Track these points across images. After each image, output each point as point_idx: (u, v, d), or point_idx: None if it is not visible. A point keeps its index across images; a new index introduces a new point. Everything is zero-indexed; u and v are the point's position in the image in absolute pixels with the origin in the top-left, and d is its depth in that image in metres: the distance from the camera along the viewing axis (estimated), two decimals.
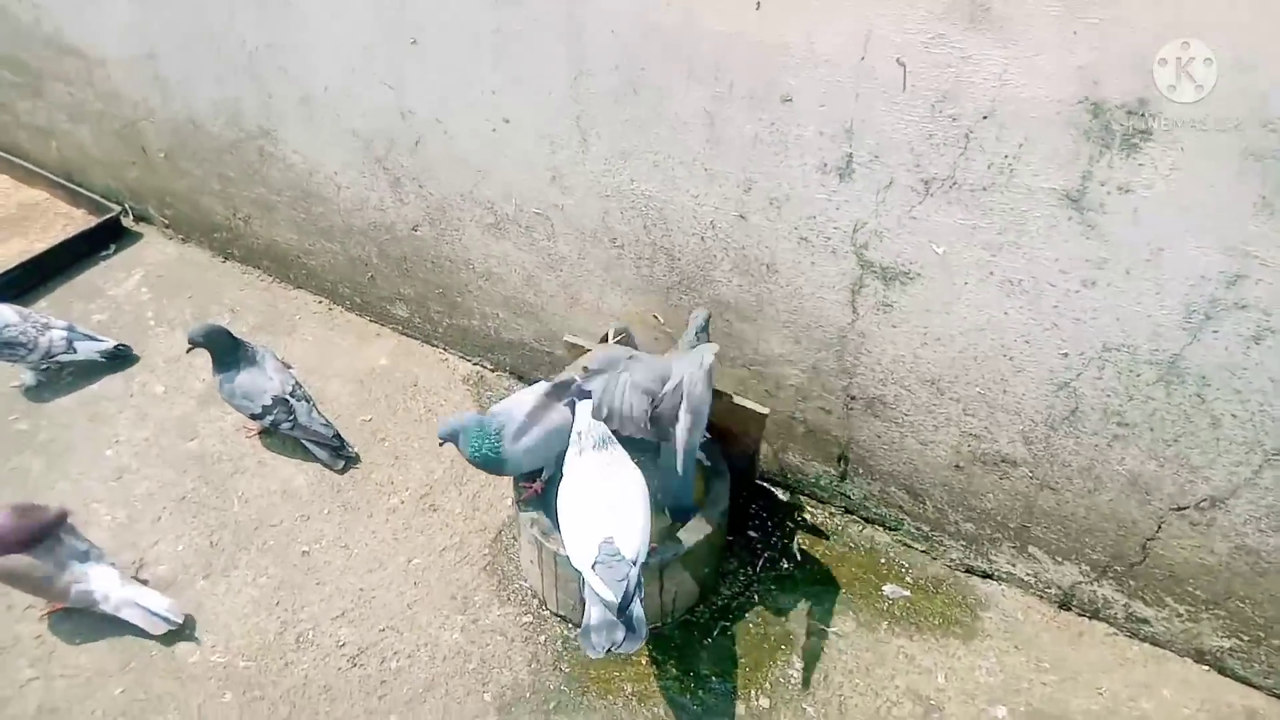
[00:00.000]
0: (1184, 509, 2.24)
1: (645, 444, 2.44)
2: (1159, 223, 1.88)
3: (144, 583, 2.63)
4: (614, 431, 2.33)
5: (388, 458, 3.07)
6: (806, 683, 2.43)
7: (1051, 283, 2.08)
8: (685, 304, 2.67)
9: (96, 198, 4.06)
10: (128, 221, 4.07)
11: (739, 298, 2.57)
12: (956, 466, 2.53)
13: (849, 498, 2.84)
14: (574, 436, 2.29)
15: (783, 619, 2.59)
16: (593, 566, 2.10)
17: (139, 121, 3.66)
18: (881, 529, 2.83)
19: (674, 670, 2.46)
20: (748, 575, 2.70)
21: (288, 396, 2.95)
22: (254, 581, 2.70)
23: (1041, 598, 2.63)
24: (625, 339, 2.65)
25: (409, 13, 2.60)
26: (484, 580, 2.70)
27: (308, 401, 3.02)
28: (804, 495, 2.93)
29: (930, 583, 2.69)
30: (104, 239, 3.95)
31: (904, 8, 1.90)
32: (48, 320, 3.24)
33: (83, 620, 2.56)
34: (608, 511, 2.17)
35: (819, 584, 2.68)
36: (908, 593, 2.65)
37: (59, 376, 3.32)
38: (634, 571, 2.09)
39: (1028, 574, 2.61)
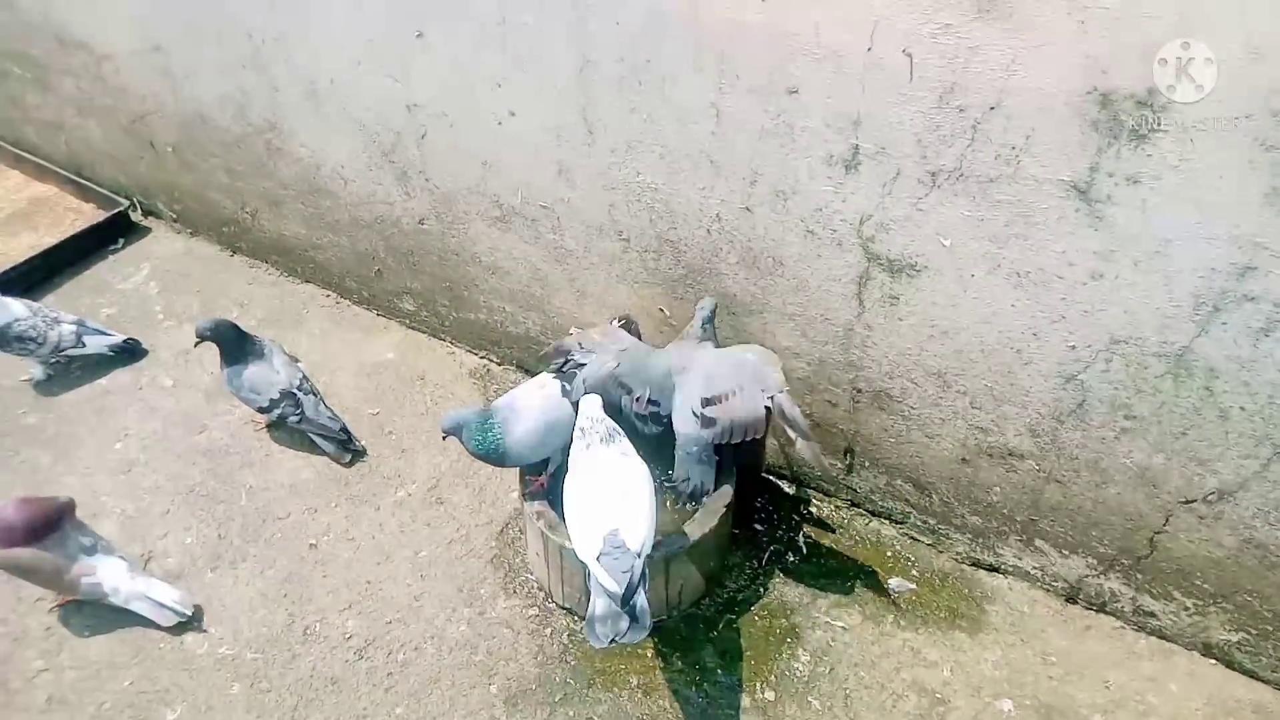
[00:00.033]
0: (1192, 502, 2.23)
1: (648, 438, 2.45)
2: (1167, 214, 1.87)
3: (152, 575, 2.65)
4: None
5: (394, 451, 3.08)
6: (812, 676, 2.43)
7: (1059, 275, 2.07)
8: (691, 297, 2.67)
9: (105, 192, 4.07)
10: (136, 216, 4.08)
11: (745, 291, 2.57)
12: (963, 460, 2.53)
13: (855, 491, 2.83)
14: (578, 431, 2.29)
15: (788, 612, 2.59)
16: (598, 558, 2.11)
17: (147, 116, 3.67)
18: (888, 522, 2.82)
19: (679, 663, 2.47)
20: (753, 568, 2.70)
21: (295, 390, 2.96)
22: (261, 574, 2.71)
23: (1048, 591, 2.62)
24: (627, 326, 2.65)
25: (414, 4, 2.60)
26: (490, 573, 2.71)
27: (315, 395, 3.03)
28: (810, 488, 2.93)
29: (936, 576, 2.68)
30: (112, 234, 3.97)
31: None
32: (57, 315, 3.25)
33: (92, 613, 2.58)
34: (613, 504, 2.17)
35: (825, 577, 2.67)
36: (914, 586, 2.65)
37: (68, 370, 3.34)
38: (638, 563, 2.09)
39: (1034, 567, 2.61)
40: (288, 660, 2.50)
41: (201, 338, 2.93)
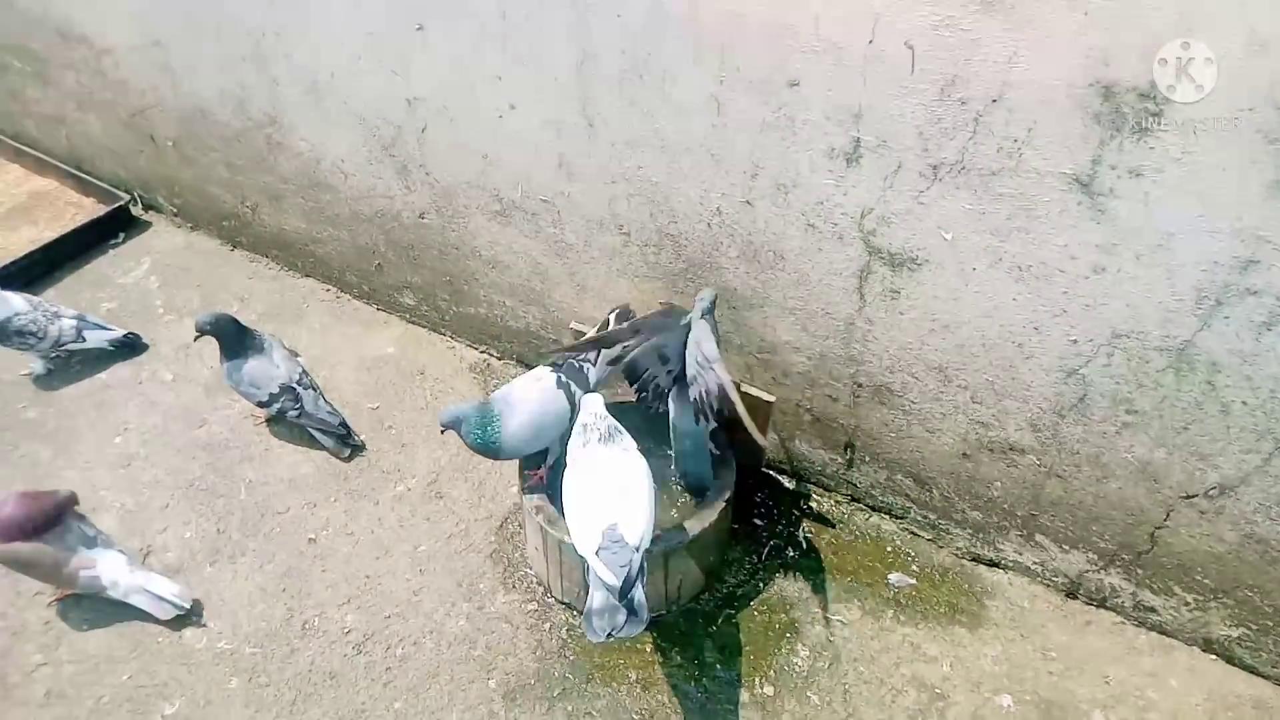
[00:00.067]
0: (1193, 497, 2.22)
1: (651, 431, 2.45)
2: (1170, 207, 1.86)
3: (151, 569, 2.65)
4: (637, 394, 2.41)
5: (394, 445, 3.07)
6: (811, 671, 2.43)
7: (1061, 269, 2.06)
8: (692, 291, 2.66)
9: (106, 186, 4.07)
10: (136, 210, 4.08)
11: (745, 285, 2.56)
12: (964, 454, 2.52)
13: (855, 486, 2.83)
14: (580, 427, 2.29)
15: (788, 607, 2.58)
16: (596, 552, 2.10)
17: (147, 110, 3.66)
18: (888, 517, 2.82)
19: (678, 658, 2.46)
20: (753, 563, 2.69)
21: (294, 384, 2.96)
22: (261, 568, 2.71)
23: (1048, 586, 2.61)
24: (624, 316, 2.64)
25: None
26: (489, 568, 2.70)
27: (314, 389, 3.03)
28: (810, 483, 2.92)
29: (936, 571, 2.68)
30: (113, 228, 3.97)
31: None
32: (58, 309, 3.25)
33: (91, 606, 2.58)
34: (612, 499, 2.17)
35: (824, 572, 2.67)
36: (914, 581, 2.64)
37: (68, 365, 3.34)
38: (637, 557, 2.08)
39: (1035, 562, 2.60)
40: (286, 655, 2.50)
41: (201, 332, 2.92)
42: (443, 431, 2.43)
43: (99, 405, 3.21)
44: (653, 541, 2.23)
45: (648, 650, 2.48)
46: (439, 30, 2.61)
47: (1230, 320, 1.93)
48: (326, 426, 2.99)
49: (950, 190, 2.08)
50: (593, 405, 2.30)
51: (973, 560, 2.70)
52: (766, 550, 2.73)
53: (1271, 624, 2.29)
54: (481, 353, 3.43)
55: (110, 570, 2.52)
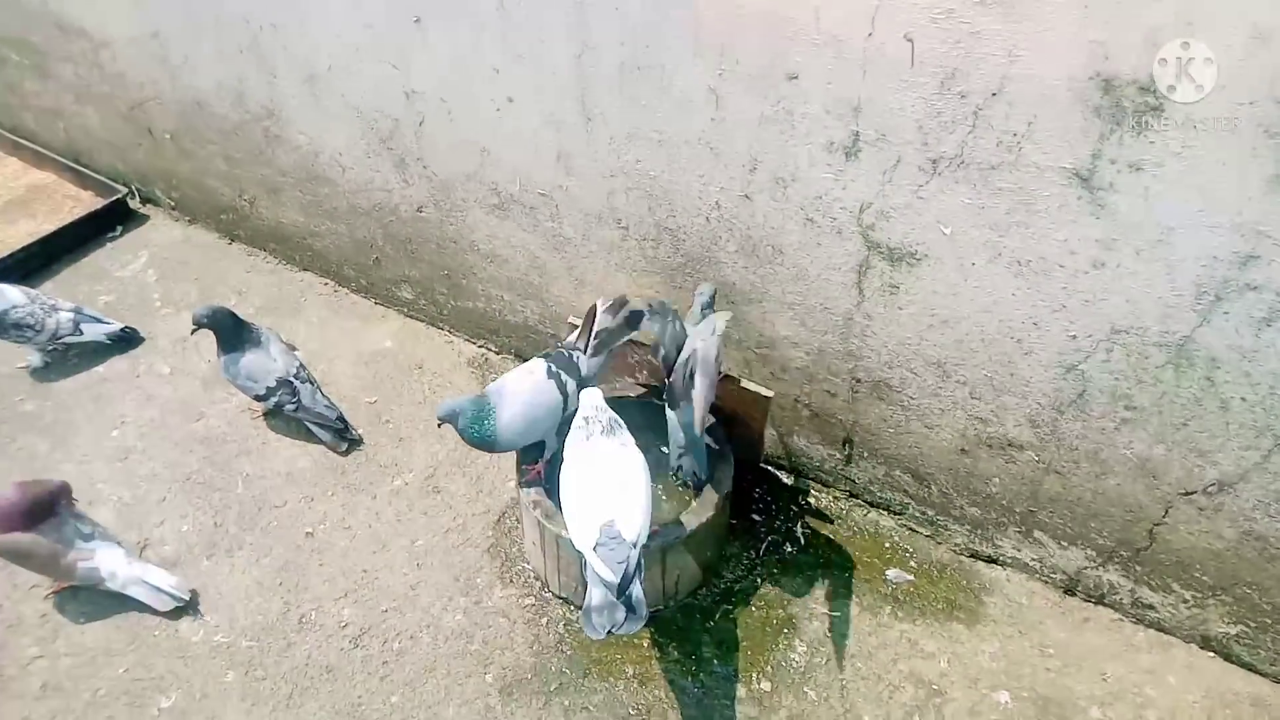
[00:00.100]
0: (1192, 494, 2.21)
1: (649, 426, 2.44)
2: (1170, 202, 1.85)
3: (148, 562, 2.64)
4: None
5: (391, 440, 3.07)
6: (808, 666, 2.42)
7: (1060, 264, 2.05)
8: (690, 285, 2.65)
9: (103, 179, 4.06)
10: (134, 203, 4.08)
11: (744, 279, 2.55)
12: (962, 450, 2.51)
13: (854, 481, 2.82)
14: (580, 420, 2.28)
15: (785, 602, 2.58)
16: (594, 548, 2.10)
17: (145, 103, 3.65)
18: (886, 513, 2.81)
19: (676, 653, 2.46)
20: (751, 559, 2.69)
21: (292, 378, 2.95)
22: (257, 562, 2.70)
23: (1046, 583, 2.61)
24: (620, 305, 2.61)
25: None
26: (487, 562, 2.70)
27: (312, 383, 3.02)
28: (808, 479, 2.92)
29: (934, 567, 2.67)
30: (111, 221, 3.96)
31: None
32: (55, 302, 3.24)
33: (87, 599, 2.57)
34: (610, 494, 2.16)
35: (822, 568, 2.66)
36: (911, 577, 2.64)
37: (65, 358, 3.33)
38: (634, 553, 2.08)
39: (1033, 559, 2.59)
40: (283, 648, 2.49)
41: (198, 325, 2.91)
42: (440, 425, 2.43)
43: (96, 398, 3.20)
44: (650, 537, 2.22)
45: (645, 645, 2.48)
46: (437, 23, 2.60)
47: (1230, 316, 1.93)
48: (324, 420, 2.98)
49: (949, 184, 2.07)
50: (593, 399, 2.30)
51: (971, 556, 2.70)
52: (764, 546, 2.72)
53: (1270, 621, 2.28)
54: (480, 347, 3.42)
55: (108, 562, 2.52)
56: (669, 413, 2.45)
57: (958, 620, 2.53)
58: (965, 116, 1.97)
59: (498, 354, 3.39)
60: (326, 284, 3.70)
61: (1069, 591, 2.58)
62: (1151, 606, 2.46)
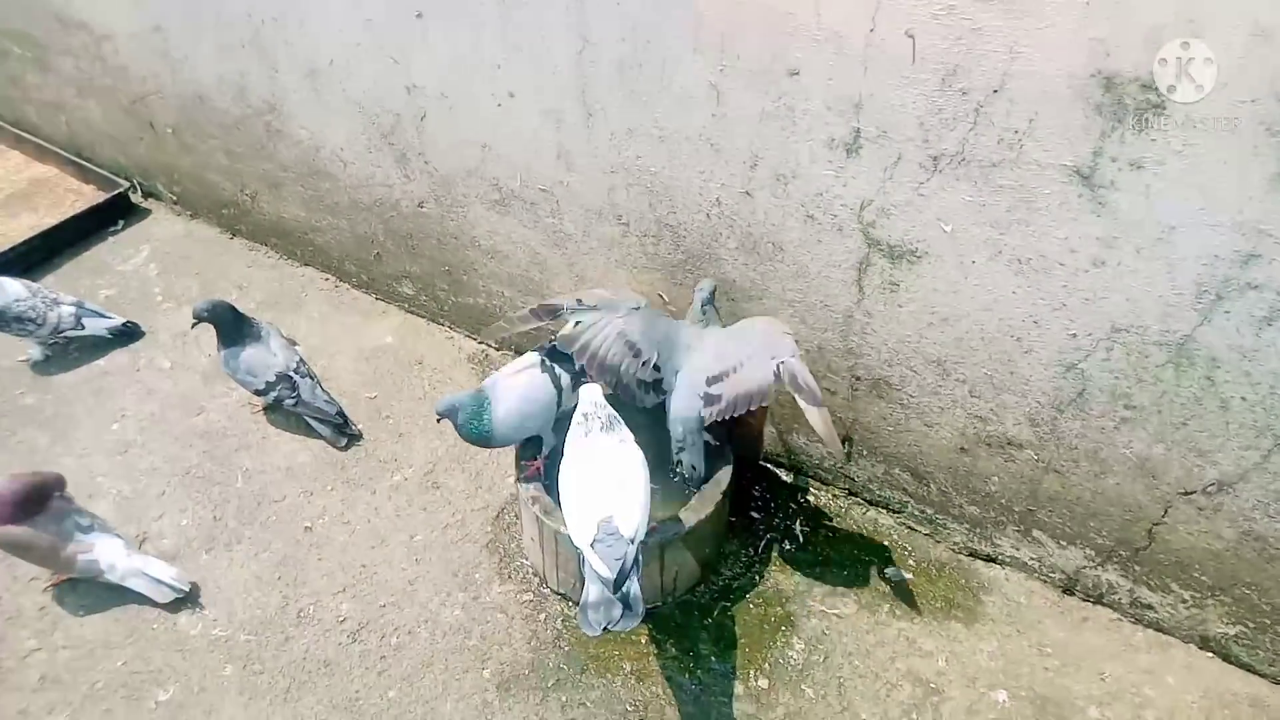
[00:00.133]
0: (1191, 493, 2.21)
1: (648, 423, 2.44)
2: (1171, 200, 1.85)
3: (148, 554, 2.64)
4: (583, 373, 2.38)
5: (391, 435, 3.07)
6: (806, 664, 2.42)
7: (1060, 262, 2.05)
8: (690, 282, 2.65)
9: (105, 173, 4.06)
10: (136, 198, 4.08)
11: (744, 276, 2.55)
12: (961, 449, 2.51)
13: (853, 480, 2.82)
14: (580, 416, 2.28)
15: (784, 600, 2.57)
16: (592, 545, 2.09)
17: (147, 96, 3.65)
18: (885, 511, 2.81)
19: (673, 649, 2.46)
20: (749, 556, 2.69)
21: (291, 373, 2.95)
22: (256, 556, 2.70)
23: (1045, 582, 2.60)
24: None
25: None
26: (485, 558, 2.70)
27: (312, 378, 3.02)
28: (808, 477, 2.91)
29: (933, 566, 2.67)
30: (112, 215, 3.96)
31: None
32: (57, 296, 3.24)
33: (86, 592, 2.58)
34: (608, 491, 2.16)
35: (821, 566, 2.66)
36: (910, 576, 2.63)
37: (66, 351, 3.33)
38: (631, 550, 2.07)
39: (1032, 558, 2.59)
40: (281, 642, 2.49)
41: (198, 319, 2.91)
42: (438, 420, 2.42)
43: (97, 392, 3.21)
44: (649, 533, 2.22)
45: (643, 642, 2.48)
46: (438, 17, 2.60)
47: (1230, 315, 1.92)
48: (323, 415, 2.98)
49: (950, 182, 2.07)
50: (592, 395, 2.29)
51: (970, 555, 2.69)
52: (763, 543, 2.72)
53: (1269, 622, 2.27)
54: (480, 343, 3.42)
55: (108, 554, 2.52)
56: (669, 409, 2.45)
57: (956, 619, 2.53)
58: (966, 113, 1.96)
59: (498, 350, 3.39)
60: (327, 279, 3.70)
61: (1068, 591, 2.58)
62: (1150, 606, 2.45)
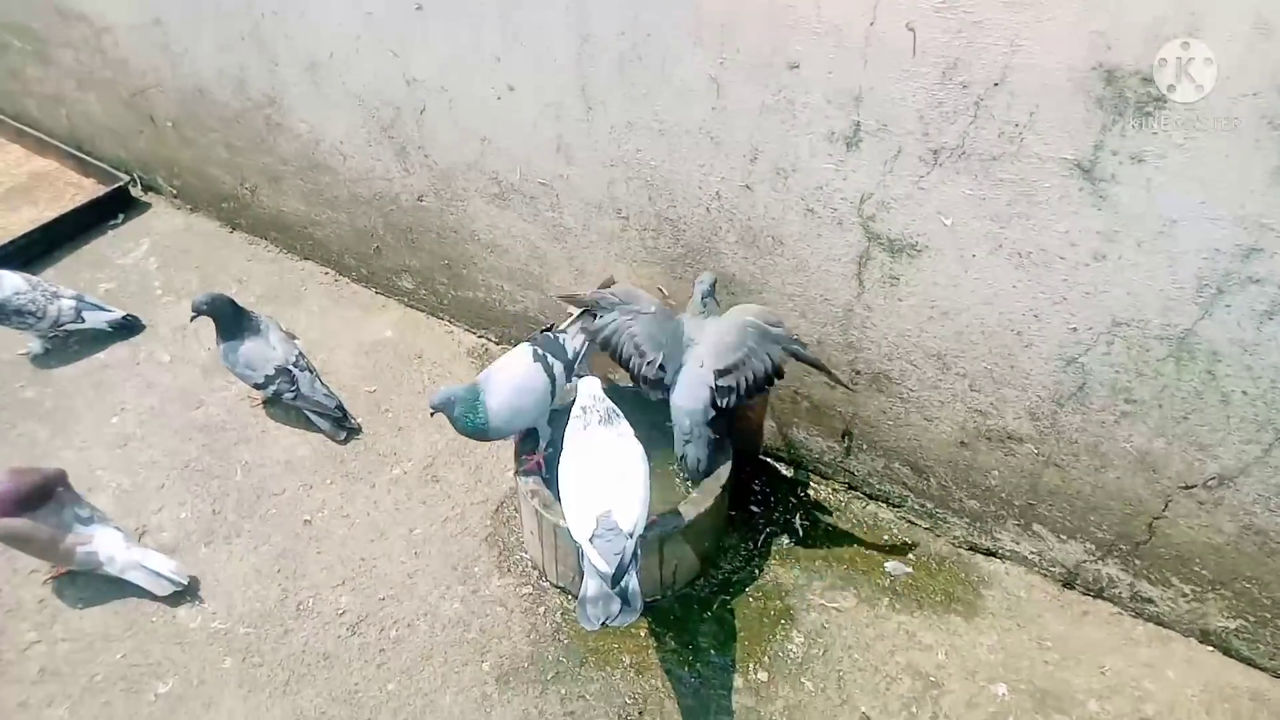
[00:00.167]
0: (1192, 487, 2.21)
1: (651, 415, 2.44)
2: (1172, 194, 1.84)
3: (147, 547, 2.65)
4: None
5: (391, 429, 3.07)
6: (806, 657, 2.42)
7: (1061, 255, 2.04)
8: (690, 276, 2.64)
9: (106, 167, 4.06)
10: (136, 191, 4.07)
11: (744, 270, 2.54)
12: (961, 443, 2.51)
13: (853, 474, 2.81)
14: (578, 410, 2.28)
15: (783, 594, 2.57)
16: (590, 539, 2.09)
17: (147, 90, 3.64)
18: (885, 505, 2.81)
19: (672, 643, 2.46)
20: (749, 550, 2.69)
21: (290, 367, 2.95)
22: (256, 549, 2.70)
23: (1045, 576, 2.60)
24: (608, 286, 2.61)
25: None
26: (484, 551, 2.70)
27: (311, 372, 3.02)
28: (808, 471, 2.91)
29: (933, 560, 2.67)
30: (112, 209, 3.96)
31: None
32: (57, 289, 3.24)
33: (86, 585, 2.58)
34: (607, 485, 2.16)
35: (821, 560, 2.66)
36: (910, 569, 2.63)
37: (66, 345, 3.33)
38: (630, 544, 2.07)
39: (1032, 552, 2.59)
40: (280, 635, 2.49)
41: (197, 312, 2.91)
42: (433, 414, 2.41)
43: (97, 385, 3.21)
44: (648, 527, 2.22)
45: (642, 635, 2.48)
46: (438, 10, 2.59)
47: (1231, 309, 1.92)
48: (323, 409, 2.98)
49: (951, 175, 2.06)
50: (590, 388, 2.29)
51: (970, 549, 2.69)
52: (763, 537, 2.72)
53: (1269, 616, 2.27)
54: (480, 337, 3.42)
55: (107, 546, 2.52)
56: (673, 403, 2.44)
57: (956, 613, 2.53)
58: (967, 107, 1.95)
59: (498, 344, 3.38)
60: (327, 273, 3.70)
61: (1068, 585, 2.57)
62: (1151, 600, 2.45)
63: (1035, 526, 2.53)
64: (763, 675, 2.39)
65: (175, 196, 4.04)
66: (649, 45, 2.27)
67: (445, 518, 2.79)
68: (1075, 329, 2.13)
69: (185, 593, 2.57)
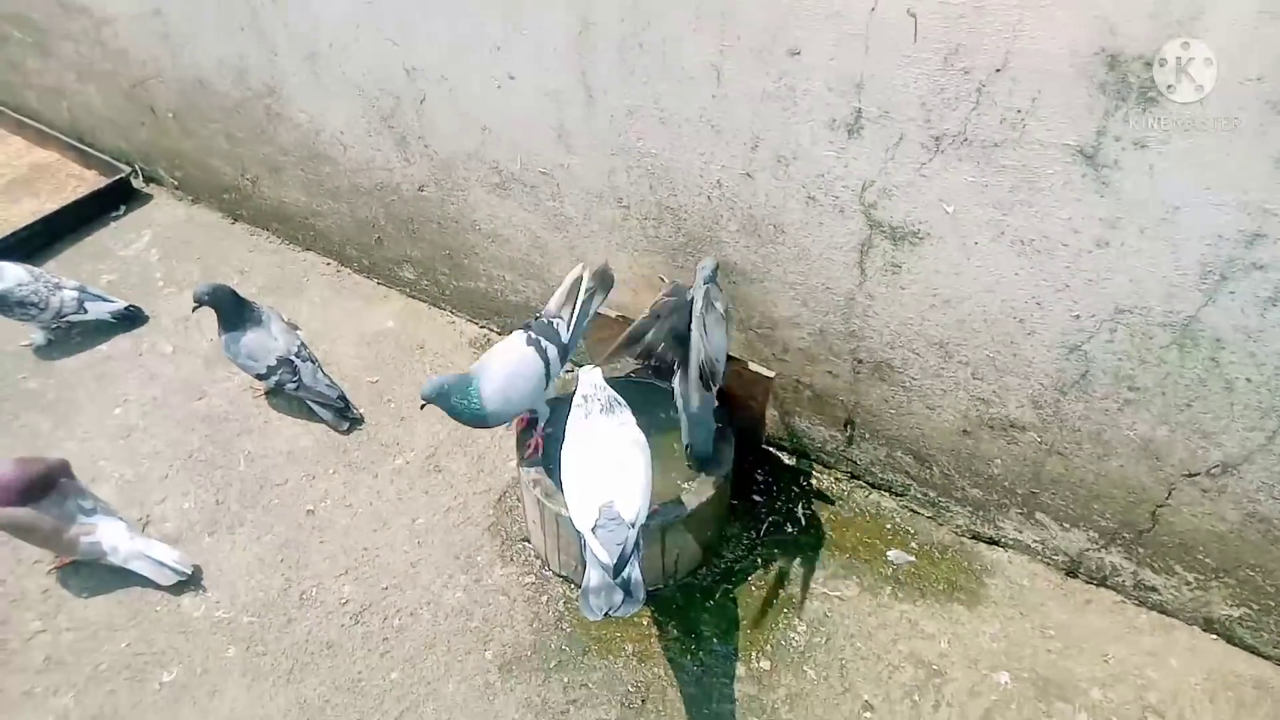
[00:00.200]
0: (1195, 475, 2.20)
1: (653, 404, 2.44)
2: (1175, 180, 1.83)
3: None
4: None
5: (393, 419, 3.07)
6: (808, 646, 2.42)
7: (1064, 242, 2.03)
8: (692, 265, 2.63)
9: (107, 158, 4.06)
10: (137, 183, 4.07)
11: (745, 259, 2.54)
12: (964, 431, 2.50)
13: (855, 463, 2.81)
14: (579, 399, 2.28)
15: (785, 583, 2.57)
16: (593, 530, 2.09)
17: (147, 81, 3.64)
18: (888, 494, 2.80)
19: (675, 631, 2.46)
20: (751, 539, 2.69)
21: (292, 357, 2.95)
22: (259, 539, 2.71)
23: (1048, 565, 2.60)
24: (603, 275, 2.59)
25: None
26: (487, 540, 2.70)
27: (313, 362, 3.02)
28: (810, 460, 2.91)
29: (936, 548, 2.66)
30: (114, 200, 3.96)
31: None
32: (59, 280, 3.24)
33: (89, 575, 2.59)
34: (609, 475, 2.16)
35: (823, 548, 2.66)
36: (912, 558, 2.63)
37: (68, 336, 3.34)
38: (632, 534, 2.07)
39: (1035, 541, 2.58)
40: (284, 624, 2.50)
41: (199, 302, 2.91)
42: (423, 406, 2.37)
43: (99, 377, 3.21)
44: (650, 516, 2.22)
45: (645, 624, 2.48)
46: None
47: (1235, 295, 1.90)
48: (325, 399, 2.98)
49: (952, 162, 2.05)
50: (591, 377, 2.29)
51: (972, 538, 2.69)
52: (765, 526, 2.72)
53: (1273, 604, 2.27)
54: (481, 327, 3.42)
55: (110, 536, 2.53)
56: (677, 390, 2.44)
57: (958, 601, 2.53)
58: (969, 93, 1.94)
59: (500, 334, 3.38)
60: (329, 264, 3.69)
61: (1071, 573, 2.57)
62: (1154, 589, 2.45)
63: (1038, 515, 2.52)
64: (765, 664, 2.39)
65: (177, 188, 4.03)
66: (649, 32, 2.26)
67: (448, 507, 2.79)
68: (1078, 316, 2.12)
69: (189, 582, 2.58)
